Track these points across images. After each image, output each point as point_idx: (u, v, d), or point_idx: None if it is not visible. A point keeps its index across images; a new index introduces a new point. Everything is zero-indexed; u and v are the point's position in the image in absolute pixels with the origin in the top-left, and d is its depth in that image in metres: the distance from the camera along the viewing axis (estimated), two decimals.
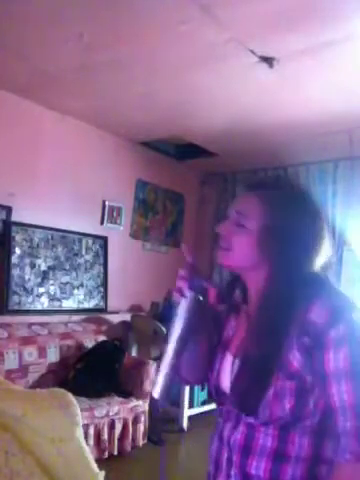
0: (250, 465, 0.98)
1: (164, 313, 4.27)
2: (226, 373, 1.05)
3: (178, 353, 1.02)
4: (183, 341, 1.02)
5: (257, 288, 1.04)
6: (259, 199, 1.02)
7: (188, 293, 1.03)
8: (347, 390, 0.90)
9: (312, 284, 0.98)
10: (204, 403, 4.19)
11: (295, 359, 0.93)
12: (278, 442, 0.96)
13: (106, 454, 3.13)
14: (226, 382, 1.05)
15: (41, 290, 3.70)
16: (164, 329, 3.95)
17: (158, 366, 1.04)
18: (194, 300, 1.03)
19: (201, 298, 1.04)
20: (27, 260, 3.63)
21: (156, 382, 1.02)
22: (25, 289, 3.59)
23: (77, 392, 2.79)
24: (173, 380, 1.02)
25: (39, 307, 3.68)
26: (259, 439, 0.98)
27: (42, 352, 3.36)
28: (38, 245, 3.72)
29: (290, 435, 0.95)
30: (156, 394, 1.01)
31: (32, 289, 3.64)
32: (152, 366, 3.55)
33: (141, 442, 3.42)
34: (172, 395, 1.03)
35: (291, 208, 1.02)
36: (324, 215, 1.05)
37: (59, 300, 3.84)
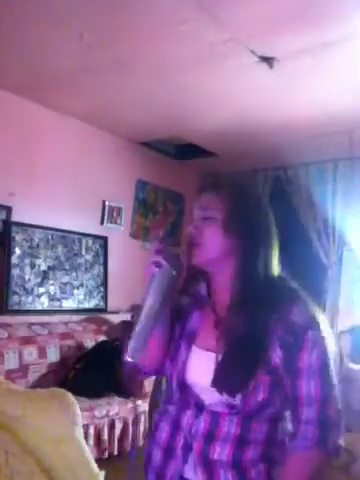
0: (213, 451, 1.04)
1: None
2: (197, 367, 1.08)
3: (149, 322, 1.04)
4: (154, 311, 1.04)
5: (224, 283, 1.10)
6: (218, 191, 1.11)
7: (164, 263, 1.04)
8: (315, 385, 1.01)
9: (287, 288, 1.08)
10: None
11: (276, 355, 1.02)
12: (241, 429, 1.04)
13: (106, 454, 3.14)
14: (196, 377, 1.08)
15: (41, 290, 3.70)
16: None
17: (130, 334, 1.07)
18: (168, 272, 1.05)
19: (174, 273, 1.05)
20: (27, 260, 3.63)
21: (128, 346, 1.04)
22: (25, 289, 3.59)
23: (77, 392, 2.79)
24: (143, 346, 1.04)
25: (39, 307, 3.68)
26: (224, 427, 1.04)
27: (42, 352, 3.36)
28: (38, 245, 3.72)
29: (252, 423, 1.04)
30: (128, 357, 1.04)
31: (32, 289, 3.64)
32: None
33: (141, 442, 3.42)
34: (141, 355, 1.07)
35: (250, 197, 1.13)
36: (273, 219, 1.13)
37: (59, 300, 3.84)
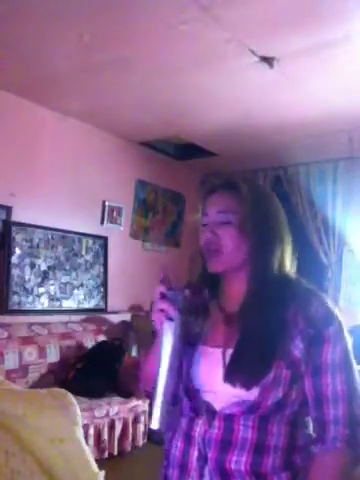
0: (229, 460, 0.97)
1: None
2: (204, 366, 1.04)
3: (171, 381, 0.97)
4: (174, 367, 0.98)
5: (238, 282, 1.08)
6: (234, 193, 1.07)
7: (175, 315, 0.97)
8: (341, 381, 0.97)
9: (303, 285, 1.06)
10: None
11: (296, 348, 0.98)
12: (258, 433, 0.97)
13: (106, 454, 3.13)
14: (204, 377, 1.03)
15: (41, 290, 3.70)
16: None
17: (152, 396, 0.99)
18: (181, 322, 0.98)
19: (185, 317, 0.99)
20: (27, 260, 3.63)
21: (153, 413, 0.97)
22: (25, 289, 3.59)
23: (77, 392, 2.79)
24: (169, 407, 0.97)
25: (39, 307, 3.68)
26: (239, 432, 0.98)
27: (42, 352, 3.36)
28: (38, 245, 3.72)
29: (269, 425, 0.98)
30: (155, 425, 0.96)
31: (32, 289, 3.64)
32: None
33: (141, 442, 3.42)
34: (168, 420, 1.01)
35: (265, 198, 1.11)
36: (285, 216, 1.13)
37: (59, 300, 3.83)
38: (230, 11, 2.24)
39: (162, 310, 0.99)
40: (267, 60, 2.67)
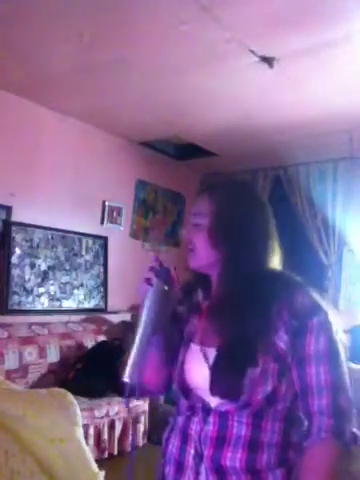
0: (225, 457, 0.98)
1: None
2: (193, 364, 1.07)
3: (146, 340, 1.04)
4: (150, 328, 1.05)
5: (218, 283, 1.10)
6: (209, 196, 1.11)
7: (154, 281, 1.06)
8: (325, 371, 0.97)
9: (288, 278, 1.06)
10: None
11: (281, 341, 0.98)
12: (252, 430, 0.98)
13: (106, 454, 3.14)
14: (192, 374, 1.06)
15: (41, 290, 3.70)
16: None
17: (128, 354, 1.07)
18: (160, 288, 1.06)
19: (166, 288, 1.07)
20: (27, 260, 3.63)
21: (125, 367, 1.03)
22: (25, 289, 3.59)
23: (77, 392, 2.79)
24: (141, 365, 1.03)
25: (39, 307, 3.68)
26: (233, 428, 0.99)
27: (42, 352, 3.36)
28: (38, 245, 3.71)
29: (263, 422, 0.99)
30: (126, 379, 1.03)
31: (32, 289, 3.64)
32: None
33: (141, 442, 3.42)
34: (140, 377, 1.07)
35: (237, 200, 1.11)
36: (270, 212, 1.13)
37: (59, 300, 3.83)
38: (230, 11, 2.25)
39: (146, 279, 1.07)
40: (267, 60, 2.67)
